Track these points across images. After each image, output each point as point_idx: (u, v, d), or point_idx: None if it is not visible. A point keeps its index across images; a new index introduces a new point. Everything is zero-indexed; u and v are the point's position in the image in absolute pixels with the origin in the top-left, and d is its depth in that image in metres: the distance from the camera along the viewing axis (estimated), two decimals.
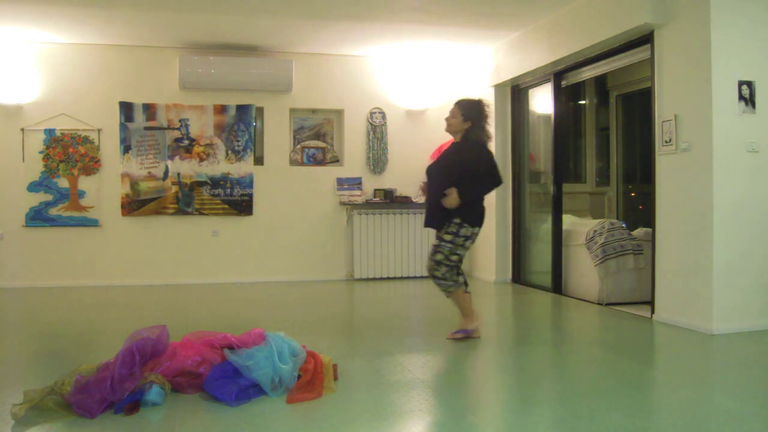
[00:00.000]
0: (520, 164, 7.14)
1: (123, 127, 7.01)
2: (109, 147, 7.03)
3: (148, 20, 6.18)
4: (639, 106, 7.68)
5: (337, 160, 7.69)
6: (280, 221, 7.38)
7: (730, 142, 4.46)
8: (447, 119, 4.35)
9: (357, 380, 3.39)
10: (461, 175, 4.14)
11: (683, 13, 4.64)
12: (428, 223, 4.33)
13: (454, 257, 4.18)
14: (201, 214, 7.19)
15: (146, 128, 7.05)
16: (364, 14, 6.00)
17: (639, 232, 5.96)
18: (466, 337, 4.28)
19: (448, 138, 7.69)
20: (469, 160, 4.18)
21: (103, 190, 7.02)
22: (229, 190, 7.23)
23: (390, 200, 7.51)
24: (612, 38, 5.21)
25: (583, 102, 8.38)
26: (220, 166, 7.20)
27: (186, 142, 7.13)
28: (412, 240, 7.57)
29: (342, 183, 7.54)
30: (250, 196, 7.26)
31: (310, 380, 3.13)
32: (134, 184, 7.03)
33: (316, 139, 7.70)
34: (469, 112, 4.26)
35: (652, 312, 4.99)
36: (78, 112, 6.95)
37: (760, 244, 4.54)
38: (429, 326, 5.03)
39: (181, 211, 7.14)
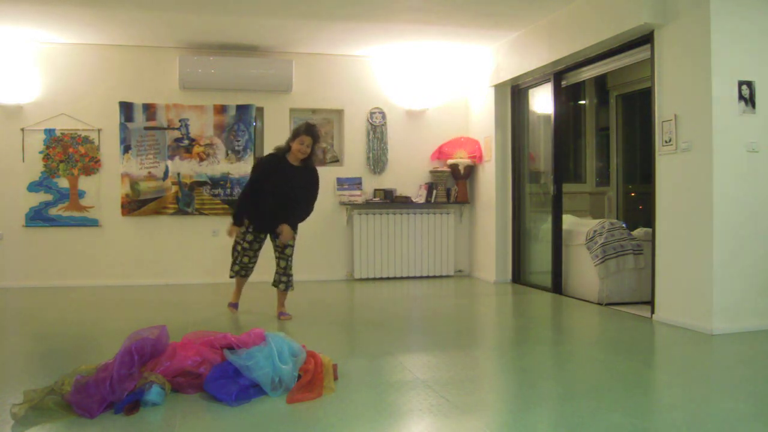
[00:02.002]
0: (520, 164, 7.14)
1: (123, 127, 7.01)
2: (109, 147, 7.03)
3: (148, 20, 6.18)
4: (639, 106, 7.68)
5: (337, 160, 7.69)
6: None
7: (730, 142, 4.46)
8: (302, 149, 4.89)
9: (357, 380, 3.39)
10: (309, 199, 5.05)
11: (683, 13, 4.64)
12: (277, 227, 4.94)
13: None
14: (201, 214, 7.19)
15: (146, 128, 7.05)
16: (364, 14, 6.00)
17: (639, 232, 5.96)
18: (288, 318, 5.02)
19: (447, 138, 7.77)
20: (313, 190, 5.05)
21: (103, 190, 7.02)
22: (229, 190, 7.22)
23: (390, 200, 7.52)
24: (612, 38, 5.21)
25: (583, 102, 8.38)
26: (220, 166, 7.20)
27: (186, 142, 7.13)
28: (412, 240, 7.57)
29: (342, 183, 7.54)
30: None
31: (310, 380, 3.14)
32: (134, 184, 7.03)
33: None
34: (316, 141, 5.00)
35: (652, 312, 5.00)
36: (78, 112, 6.95)
37: (760, 244, 4.54)
38: (429, 326, 5.03)
39: (181, 211, 7.14)
